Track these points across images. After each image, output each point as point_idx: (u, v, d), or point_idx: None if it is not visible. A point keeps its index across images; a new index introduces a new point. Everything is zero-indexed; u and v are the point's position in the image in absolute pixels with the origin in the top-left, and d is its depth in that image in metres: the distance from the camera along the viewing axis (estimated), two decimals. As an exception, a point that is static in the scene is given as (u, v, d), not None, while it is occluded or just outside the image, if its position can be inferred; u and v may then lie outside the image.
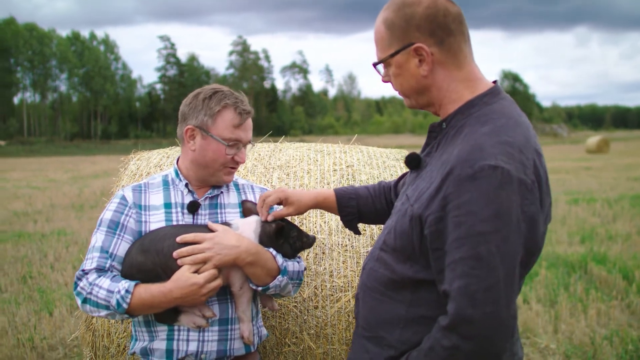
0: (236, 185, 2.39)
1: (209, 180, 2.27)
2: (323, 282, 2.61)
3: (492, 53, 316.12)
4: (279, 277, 2.13)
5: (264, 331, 2.37)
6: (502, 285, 1.43)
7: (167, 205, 2.23)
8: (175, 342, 2.13)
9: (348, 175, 2.91)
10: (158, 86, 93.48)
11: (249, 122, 2.25)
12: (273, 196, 2.16)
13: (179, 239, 2.05)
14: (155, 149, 3.30)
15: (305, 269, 2.32)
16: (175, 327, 2.14)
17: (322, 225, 2.72)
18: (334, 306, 2.56)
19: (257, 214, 2.21)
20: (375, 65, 1.73)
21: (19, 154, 52.18)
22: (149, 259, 2.07)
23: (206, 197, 2.27)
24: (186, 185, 2.26)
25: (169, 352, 2.13)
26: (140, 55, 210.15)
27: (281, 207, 2.19)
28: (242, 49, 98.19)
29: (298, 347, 2.57)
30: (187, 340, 2.13)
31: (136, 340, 2.23)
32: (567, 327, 5.15)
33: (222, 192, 2.32)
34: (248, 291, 2.16)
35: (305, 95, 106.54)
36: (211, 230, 2.10)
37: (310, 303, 2.59)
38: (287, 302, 2.60)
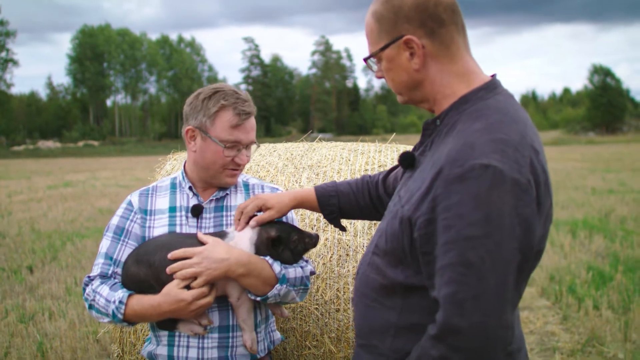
0: (246, 186, 2.33)
1: (212, 182, 2.23)
2: (346, 284, 2.55)
3: (581, 47, 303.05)
4: (278, 286, 2.06)
5: (277, 335, 2.33)
6: (492, 293, 1.33)
7: (172, 209, 2.22)
8: (175, 348, 2.14)
9: (379, 175, 2.83)
10: (242, 87, 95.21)
11: (250, 123, 2.17)
12: (251, 205, 2.09)
13: (170, 255, 2.03)
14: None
15: (312, 272, 2.23)
16: (176, 334, 2.14)
17: (348, 226, 2.65)
18: (356, 309, 2.49)
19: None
20: (366, 60, 1.66)
21: (111, 154, 54.92)
22: (142, 270, 2.07)
23: (211, 200, 2.24)
24: (190, 188, 2.24)
25: (170, 357, 2.14)
26: (224, 57, 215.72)
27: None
28: (325, 48, 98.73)
29: (319, 351, 2.53)
30: (187, 347, 2.13)
31: (149, 342, 2.26)
32: (638, 336, 4.84)
33: (227, 194, 2.27)
34: (247, 301, 2.10)
35: (388, 93, 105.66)
36: (202, 243, 2.06)
37: (332, 306, 2.53)
38: (308, 304, 2.56)
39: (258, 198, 2.10)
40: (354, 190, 2.09)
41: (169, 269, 2.02)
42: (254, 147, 2.25)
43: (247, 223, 2.10)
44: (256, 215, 2.11)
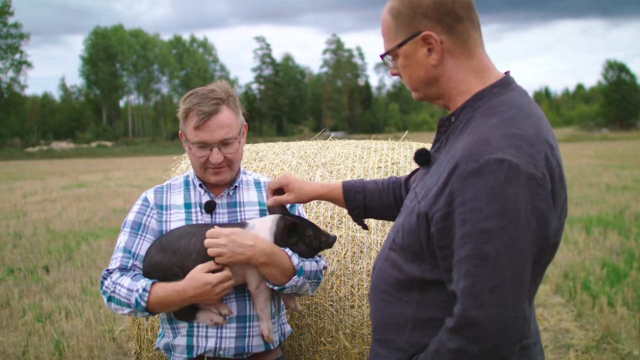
0: (257, 183, 2.40)
1: (205, 181, 2.30)
2: (360, 281, 2.57)
3: (593, 43, 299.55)
4: (295, 278, 2.13)
5: (288, 328, 2.38)
6: (508, 285, 1.35)
7: (187, 206, 2.29)
8: (194, 339, 2.18)
9: (392, 172, 2.85)
10: (254, 86, 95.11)
11: (214, 122, 2.15)
12: (275, 180, 2.13)
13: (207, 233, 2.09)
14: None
15: (325, 267, 2.29)
16: (195, 324, 2.19)
17: (362, 223, 2.67)
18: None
19: (278, 213, 2.20)
20: (382, 56, 1.68)
21: (124, 154, 55.18)
22: (166, 258, 2.13)
23: (223, 195, 2.30)
24: (200, 185, 2.31)
25: (189, 348, 2.19)
26: (235, 56, 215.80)
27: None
28: (336, 47, 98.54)
29: (334, 347, 2.55)
30: (206, 337, 2.18)
31: (163, 336, 2.30)
32: (654, 332, 4.82)
33: (237, 187, 2.33)
34: (265, 290, 2.17)
35: (400, 91, 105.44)
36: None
37: (346, 302, 2.56)
38: (323, 301, 2.59)
39: (284, 176, 2.11)
40: (379, 188, 2.10)
41: (206, 242, 2.07)
42: (235, 144, 2.22)
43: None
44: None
